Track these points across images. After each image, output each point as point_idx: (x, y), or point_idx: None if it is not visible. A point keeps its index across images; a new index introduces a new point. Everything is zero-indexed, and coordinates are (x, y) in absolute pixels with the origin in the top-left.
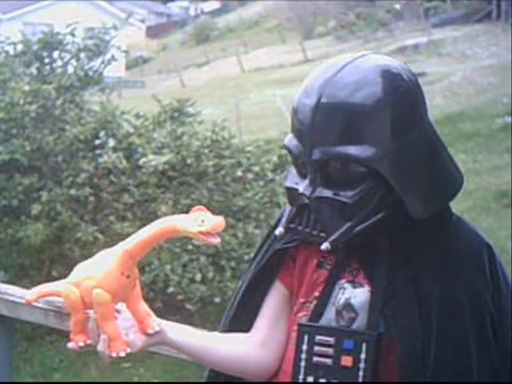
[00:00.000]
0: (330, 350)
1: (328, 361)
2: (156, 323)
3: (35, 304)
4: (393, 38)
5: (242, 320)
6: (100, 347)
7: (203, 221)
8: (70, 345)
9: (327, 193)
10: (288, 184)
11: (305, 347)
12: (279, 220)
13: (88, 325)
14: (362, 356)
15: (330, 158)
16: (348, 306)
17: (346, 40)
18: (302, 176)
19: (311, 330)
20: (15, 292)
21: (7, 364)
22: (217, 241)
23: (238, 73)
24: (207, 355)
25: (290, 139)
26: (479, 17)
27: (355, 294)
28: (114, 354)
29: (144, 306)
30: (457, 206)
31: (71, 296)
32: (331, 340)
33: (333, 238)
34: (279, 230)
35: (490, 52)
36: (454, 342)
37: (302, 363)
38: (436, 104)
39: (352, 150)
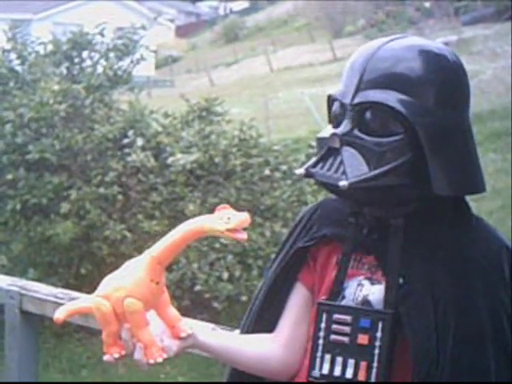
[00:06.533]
0: (347, 328)
1: (345, 339)
2: (188, 326)
3: (61, 301)
4: (422, 36)
5: (265, 320)
6: (137, 356)
7: (229, 218)
8: (106, 358)
9: (360, 136)
10: (319, 135)
11: (323, 325)
12: (300, 220)
13: (121, 335)
14: (378, 334)
15: (372, 103)
16: (366, 302)
17: (375, 39)
18: (336, 126)
19: (329, 308)
20: (41, 289)
21: (33, 360)
22: (244, 237)
23: (267, 72)
24: (233, 356)
25: (337, 89)
26: (510, 15)
27: (373, 291)
28: (151, 361)
29: (173, 311)
30: (486, 205)
31: (102, 309)
32: (348, 318)
33: (353, 179)
34: (300, 171)
35: None
36: (471, 344)
37: (320, 341)
38: None
39: (394, 101)
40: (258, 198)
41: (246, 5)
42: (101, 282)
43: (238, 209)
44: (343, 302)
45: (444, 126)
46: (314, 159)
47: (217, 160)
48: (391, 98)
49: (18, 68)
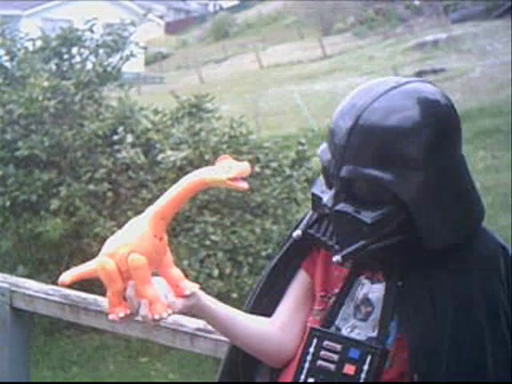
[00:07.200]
0: (336, 357)
1: (331, 366)
2: (191, 285)
3: (51, 298)
4: (412, 33)
5: (264, 305)
6: (142, 311)
7: (230, 167)
8: (111, 316)
9: (349, 209)
10: (314, 190)
11: (312, 350)
12: (302, 220)
13: (126, 294)
14: (365, 367)
15: (357, 177)
16: (366, 300)
17: (364, 36)
18: (329, 187)
19: (321, 334)
20: (32, 286)
21: (24, 357)
22: (245, 186)
23: (257, 69)
24: (234, 326)
25: (323, 150)
26: (499, 12)
27: (373, 290)
28: (156, 317)
29: (177, 271)
30: None
31: (106, 267)
32: (338, 347)
33: (345, 252)
34: (297, 233)
35: (510, 48)
36: (469, 342)
37: (306, 364)
38: (455, 100)
39: (378, 173)
40: (248, 194)
41: (235, 2)
42: (95, 280)
43: (228, 206)
44: (345, 306)
45: (434, 181)
46: (309, 218)
47: (207, 157)
48: (376, 171)
49: (7, 64)
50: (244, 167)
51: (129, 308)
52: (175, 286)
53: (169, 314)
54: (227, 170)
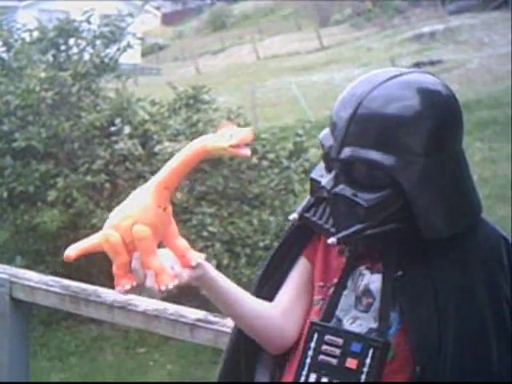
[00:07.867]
0: (337, 351)
1: (333, 361)
2: (198, 255)
3: (52, 289)
4: (409, 25)
5: (264, 293)
6: (148, 283)
7: (231, 135)
8: (118, 289)
9: (347, 191)
10: (313, 175)
11: (313, 345)
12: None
13: (131, 266)
14: (368, 361)
15: (356, 159)
16: (367, 291)
17: (362, 27)
18: (328, 171)
19: (322, 328)
20: (32, 277)
21: (23, 348)
22: (248, 153)
23: (254, 60)
24: (242, 307)
25: (325, 135)
26: (497, 4)
27: (373, 280)
28: (163, 288)
29: (183, 241)
30: None
31: (111, 239)
32: (340, 341)
33: (341, 234)
34: (293, 216)
35: (508, 39)
36: (473, 334)
37: (308, 360)
38: None
39: (378, 156)
40: (245, 186)
41: None
42: (93, 271)
43: (226, 197)
44: (345, 293)
45: (434, 169)
46: (306, 202)
47: None
48: (376, 154)
49: (4, 55)
50: (246, 134)
51: (135, 280)
52: (181, 256)
53: (175, 285)
54: (229, 138)
